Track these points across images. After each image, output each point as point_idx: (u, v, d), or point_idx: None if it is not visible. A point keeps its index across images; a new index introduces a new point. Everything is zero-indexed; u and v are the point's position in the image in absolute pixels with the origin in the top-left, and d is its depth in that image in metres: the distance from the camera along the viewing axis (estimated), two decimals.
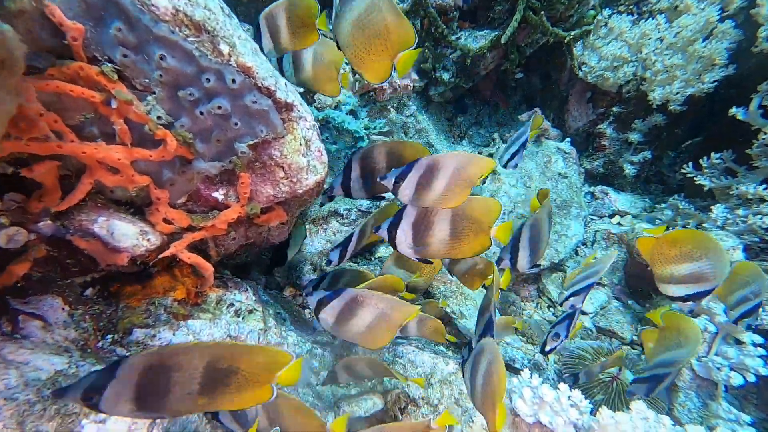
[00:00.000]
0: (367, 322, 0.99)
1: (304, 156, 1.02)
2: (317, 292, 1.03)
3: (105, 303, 0.95)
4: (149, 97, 0.82)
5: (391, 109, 2.63)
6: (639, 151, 2.42)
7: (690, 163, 1.93)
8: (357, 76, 2.59)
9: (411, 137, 2.95)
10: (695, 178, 1.85)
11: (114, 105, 0.76)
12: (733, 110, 1.75)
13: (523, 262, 1.26)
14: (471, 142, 3.20)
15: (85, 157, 0.76)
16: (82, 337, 0.85)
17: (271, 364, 0.65)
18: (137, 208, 0.95)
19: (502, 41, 2.11)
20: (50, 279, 0.85)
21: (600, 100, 2.67)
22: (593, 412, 1.14)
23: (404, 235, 1.02)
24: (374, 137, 2.44)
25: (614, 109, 2.53)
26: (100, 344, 0.88)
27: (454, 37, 2.37)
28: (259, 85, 0.87)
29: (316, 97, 2.11)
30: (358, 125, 2.10)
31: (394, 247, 1.05)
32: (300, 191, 1.07)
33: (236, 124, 0.90)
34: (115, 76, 0.74)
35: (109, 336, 0.91)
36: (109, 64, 0.76)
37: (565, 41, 2.12)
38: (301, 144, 1.00)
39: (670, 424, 0.98)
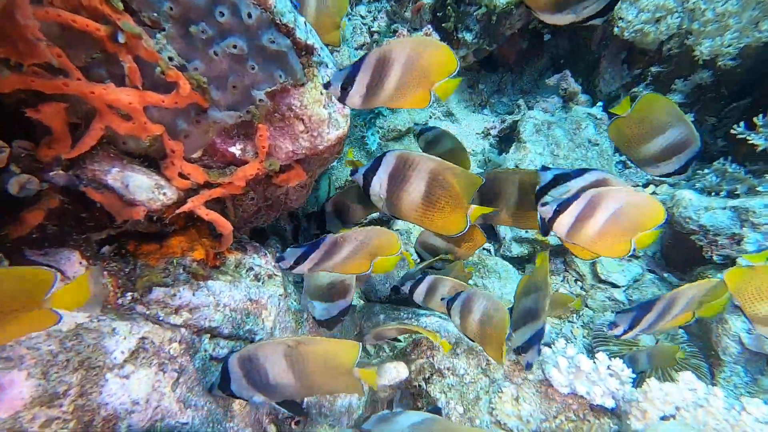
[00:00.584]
0: (346, 254, 0.93)
1: (325, 107, 0.96)
2: (291, 250, 0.94)
3: (122, 261, 0.92)
4: (159, 35, 0.77)
5: None
6: None
7: (742, 123, 1.78)
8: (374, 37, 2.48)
9: (429, 105, 2.83)
10: (748, 138, 1.71)
11: (121, 39, 0.70)
12: None
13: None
14: (493, 111, 3.07)
15: (94, 98, 0.71)
16: (102, 293, 0.83)
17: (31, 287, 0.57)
18: (151, 161, 0.91)
19: None
20: (66, 233, 0.82)
21: (636, 60, 2.50)
22: (636, 384, 1.08)
23: (379, 185, 0.97)
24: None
25: (652, 69, 2.36)
26: (120, 301, 0.86)
27: None
28: (277, 21, 0.80)
29: None
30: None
31: (367, 194, 1.01)
32: (321, 147, 1.01)
33: (253, 67, 0.83)
34: (121, 5, 0.68)
35: (129, 294, 0.88)
36: None
37: None
38: (322, 93, 0.94)
39: (722, 395, 0.92)
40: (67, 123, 0.72)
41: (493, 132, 2.79)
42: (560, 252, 2.29)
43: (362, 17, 2.46)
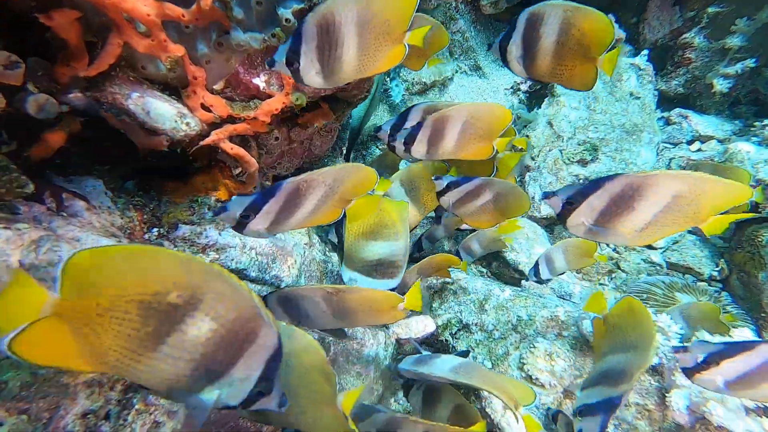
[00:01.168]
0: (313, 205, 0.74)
1: None
2: (237, 199, 0.69)
3: (147, 197, 0.90)
4: None
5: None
6: (737, 61, 2.07)
7: None
8: None
9: (456, 57, 2.70)
10: None
11: None
12: None
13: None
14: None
15: (108, 6, 0.66)
16: (128, 226, 0.81)
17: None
18: (172, 90, 0.86)
19: None
20: (90, 161, 0.79)
21: (691, 0, 2.28)
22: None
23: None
24: None
25: (710, 9, 2.14)
26: (146, 236, 0.84)
27: None
28: None
29: None
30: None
31: (392, 149, 1.02)
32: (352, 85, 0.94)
33: None
34: None
35: (155, 229, 0.87)
36: None
37: None
38: None
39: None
40: (82, 36, 0.68)
41: (523, 87, 2.64)
42: None
43: None
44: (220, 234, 0.96)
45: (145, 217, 0.87)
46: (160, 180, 0.95)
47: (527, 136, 2.28)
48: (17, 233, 0.61)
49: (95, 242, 0.70)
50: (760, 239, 1.51)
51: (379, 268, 1.14)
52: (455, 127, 0.97)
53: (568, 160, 2.14)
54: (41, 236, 0.63)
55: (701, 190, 0.64)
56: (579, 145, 2.16)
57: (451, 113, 0.97)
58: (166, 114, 0.80)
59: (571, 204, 0.70)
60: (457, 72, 2.71)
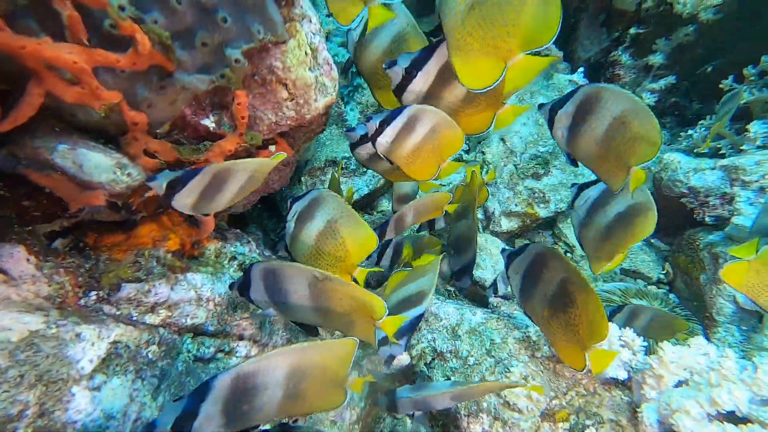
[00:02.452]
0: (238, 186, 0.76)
1: (311, 70, 0.85)
2: (165, 173, 0.71)
3: (81, 256, 0.80)
4: None
5: None
6: (660, 77, 2.28)
7: (731, 77, 1.80)
8: None
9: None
10: (733, 89, 1.74)
11: None
12: None
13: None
14: None
15: (27, 55, 0.58)
16: (58, 294, 0.71)
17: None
18: (109, 138, 0.78)
19: None
20: (5, 224, 0.69)
21: (615, 23, 2.49)
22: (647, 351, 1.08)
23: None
24: None
25: (631, 30, 2.35)
26: (82, 302, 0.75)
27: None
28: None
29: None
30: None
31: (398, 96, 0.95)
32: (308, 117, 0.91)
33: (225, 20, 0.72)
34: None
35: (93, 292, 0.77)
36: None
37: None
38: (306, 54, 0.83)
39: (734, 357, 0.92)
40: None
41: None
42: (549, 224, 2.29)
43: None
44: (172, 289, 0.87)
45: (80, 279, 0.77)
46: (97, 235, 0.85)
47: (482, 152, 2.35)
48: None
49: (14, 322, 0.60)
50: (697, 243, 1.65)
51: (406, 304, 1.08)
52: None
53: (523, 174, 2.22)
54: None
55: None
56: (531, 159, 2.25)
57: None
58: (102, 165, 0.72)
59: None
60: None
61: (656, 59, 2.22)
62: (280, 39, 0.78)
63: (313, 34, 0.84)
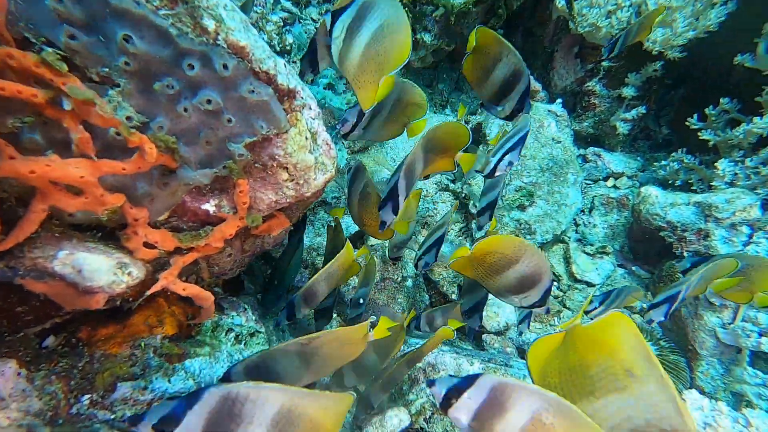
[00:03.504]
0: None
1: (311, 152, 0.88)
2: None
3: (74, 354, 0.79)
4: (111, 91, 0.65)
5: None
6: (632, 107, 2.44)
7: (695, 115, 1.95)
8: None
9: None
10: (699, 133, 1.88)
11: (67, 106, 0.59)
12: (738, 58, 1.76)
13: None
14: (454, 110, 3.11)
15: (35, 179, 0.59)
16: (49, 406, 0.70)
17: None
18: (107, 231, 0.79)
19: None
20: None
21: (589, 55, 2.64)
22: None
23: None
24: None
25: (604, 63, 2.51)
26: (74, 409, 0.74)
27: None
28: (257, 69, 0.72)
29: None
30: (341, 101, 1.94)
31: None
32: (307, 194, 0.94)
33: (230, 120, 0.74)
34: (65, 67, 0.56)
35: (86, 396, 0.76)
36: (51, 49, 0.58)
37: None
38: (307, 138, 0.86)
39: (727, 410, 0.99)
40: None
41: None
42: None
43: (314, 21, 2.35)
44: (169, 381, 0.87)
45: (72, 383, 0.76)
46: (91, 328, 0.85)
47: (468, 183, 2.43)
48: None
49: None
50: (677, 276, 1.76)
51: None
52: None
53: (509, 206, 2.31)
54: None
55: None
56: (516, 191, 2.35)
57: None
58: (102, 268, 0.73)
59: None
60: None
61: (628, 92, 2.37)
62: (282, 130, 0.81)
63: (313, 119, 0.88)
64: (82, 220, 0.76)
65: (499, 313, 2.07)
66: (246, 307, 1.18)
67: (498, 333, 2.04)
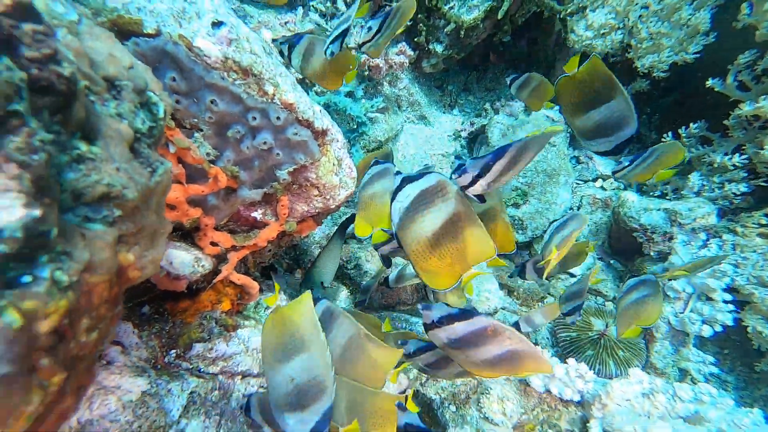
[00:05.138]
0: None
1: (336, 175, 1.09)
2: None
3: (162, 320, 1.03)
4: (196, 134, 0.86)
5: (385, 84, 2.63)
6: None
7: (669, 132, 2.09)
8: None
9: (404, 110, 2.98)
10: None
11: (172, 149, 0.79)
12: (710, 82, 1.88)
13: None
14: (462, 111, 3.25)
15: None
16: (152, 356, 0.94)
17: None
18: (185, 233, 1.01)
19: (498, 15, 2.12)
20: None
21: None
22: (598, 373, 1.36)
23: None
24: (371, 115, 2.46)
25: None
26: (166, 360, 0.98)
27: (446, 6, 2.34)
28: (300, 118, 0.91)
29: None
30: (359, 109, 2.12)
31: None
32: (332, 206, 1.14)
33: (278, 154, 0.95)
34: (172, 123, 0.77)
35: (173, 351, 1.00)
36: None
37: (561, 15, 2.15)
38: (334, 165, 1.06)
39: (661, 384, 1.20)
40: None
41: (464, 134, 2.99)
42: (527, 246, 2.57)
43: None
44: (227, 345, 1.11)
45: (163, 341, 1.00)
46: (172, 302, 1.08)
47: None
48: None
49: (132, 385, 0.84)
50: (643, 270, 1.94)
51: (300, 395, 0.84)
52: None
53: (506, 203, 2.49)
54: (92, 393, 0.77)
55: None
56: (512, 190, 2.52)
57: None
58: (185, 262, 0.95)
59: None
60: (405, 121, 3.00)
61: None
62: (315, 160, 1.01)
63: (339, 149, 1.07)
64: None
65: (490, 297, 2.28)
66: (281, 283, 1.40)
67: (488, 315, 2.26)
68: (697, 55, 2.00)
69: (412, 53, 2.36)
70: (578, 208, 2.75)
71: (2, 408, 0.25)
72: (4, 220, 0.26)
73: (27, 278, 0.28)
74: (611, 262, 2.43)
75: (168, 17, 0.76)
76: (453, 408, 1.49)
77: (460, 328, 0.79)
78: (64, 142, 0.33)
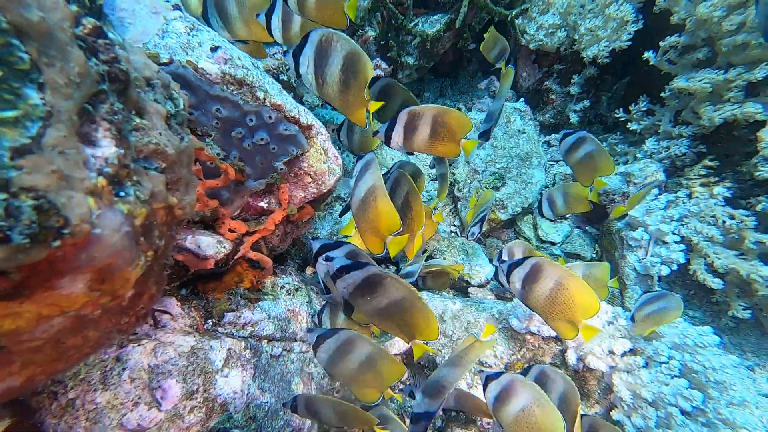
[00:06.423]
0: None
1: (324, 162, 1.25)
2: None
3: (198, 297, 1.19)
4: (208, 140, 1.03)
5: None
6: (579, 101, 2.72)
7: (620, 109, 2.23)
8: None
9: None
10: (627, 124, 2.17)
11: None
12: (646, 54, 2.03)
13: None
14: None
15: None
16: (194, 324, 1.09)
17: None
18: (206, 223, 1.17)
19: (456, 26, 2.31)
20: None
21: (543, 61, 2.92)
22: None
23: (397, 136, 1.07)
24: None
25: (555, 66, 2.79)
26: (205, 327, 1.13)
27: (411, 24, 2.54)
28: (288, 116, 1.08)
29: (304, 99, 2.27)
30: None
31: (388, 144, 1.09)
32: (324, 190, 1.30)
33: (274, 148, 1.11)
34: (188, 130, 0.94)
35: (210, 320, 1.15)
36: None
37: (508, 19, 2.34)
38: (321, 154, 1.23)
39: (621, 311, 1.32)
40: None
41: None
42: (510, 223, 2.70)
43: None
44: (252, 313, 1.26)
45: (201, 313, 1.16)
46: (203, 283, 1.24)
47: (453, 172, 2.75)
48: (142, 345, 0.89)
49: (183, 341, 0.99)
50: (611, 229, 2.06)
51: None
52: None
53: (486, 187, 2.63)
54: (155, 346, 0.92)
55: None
56: (491, 175, 2.67)
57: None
58: (210, 244, 1.11)
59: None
60: None
61: (574, 90, 2.65)
62: (305, 151, 1.18)
63: (324, 141, 1.24)
64: (192, 216, 1.14)
65: (481, 271, 2.40)
66: (291, 272, 1.56)
67: (480, 286, 2.38)
68: (629, 42, 2.16)
69: (387, 67, 2.54)
70: (553, 184, 2.88)
71: (125, 256, 0.41)
72: (107, 152, 0.42)
73: (122, 193, 0.44)
74: (587, 228, 2.55)
75: (177, 48, 0.93)
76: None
77: (356, 275, 0.86)
78: (126, 115, 0.49)
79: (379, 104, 0.93)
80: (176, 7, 0.98)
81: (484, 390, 0.93)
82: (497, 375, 0.91)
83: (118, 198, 0.42)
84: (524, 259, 1.00)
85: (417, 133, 1.01)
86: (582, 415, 0.95)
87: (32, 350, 0.35)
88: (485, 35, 1.92)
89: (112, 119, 0.44)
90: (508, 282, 1.04)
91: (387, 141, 1.07)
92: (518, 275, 0.99)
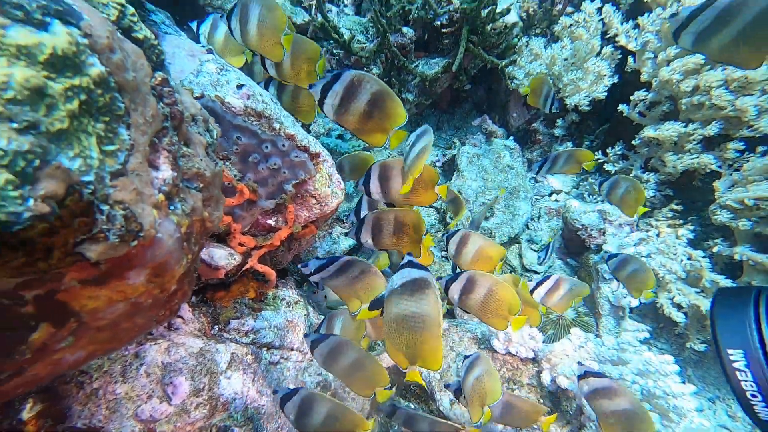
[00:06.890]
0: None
1: (328, 186, 1.36)
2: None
3: (206, 305, 1.26)
4: (227, 163, 1.14)
5: None
6: (563, 142, 2.89)
7: (599, 152, 2.39)
8: None
9: (386, 148, 3.31)
10: (604, 165, 2.32)
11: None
12: (620, 107, 2.21)
13: None
14: (436, 146, 3.60)
15: None
16: (202, 328, 1.16)
17: None
18: (219, 237, 1.26)
19: (453, 69, 2.50)
20: None
21: (531, 104, 3.11)
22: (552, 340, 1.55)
23: (375, 186, 1.21)
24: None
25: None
26: (213, 332, 1.19)
27: (413, 66, 2.73)
28: (299, 144, 1.20)
29: (311, 128, 2.42)
30: (348, 148, 2.43)
31: (368, 194, 1.23)
32: (327, 212, 1.40)
33: (284, 172, 1.22)
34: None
35: (216, 326, 1.22)
36: None
37: (499, 67, 2.54)
38: (326, 179, 1.34)
39: (592, 337, 1.40)
40: None
41: (438, 164, 3.31)
42: None
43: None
44: (255, 321, 1.33)
45: (209, 318, 1.23)
46: (212, 291, 1.31)
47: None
48: (158, 344, 0.96)
49: (193, 343, 1.06)
50: (589, 262, 2.17)
51: None
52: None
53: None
54: (168, 345, 0.99)
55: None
56: (481, 206, 2.79)
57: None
58: (222, 256, 1.20)
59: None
60: (389, 156, 3.33)
61: (558, 132, 2.83)
62: (312, 176, 1.29)
63: (330, 167, 1.35)
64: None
65: None
66: (292, 286, 1.63)
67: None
68: (606, 93, 2.36)
69: None
70: (538, 218, 3.01)
71: (176, 257, 0.50)
72: (165, 175, 0.53)
73: (173, 207, 0.55)
74: (568, 260, 2.66)
75: (208, 85, 1.06)
76: (437, 375, 1.67)
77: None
78: (179, 145, 0.60)
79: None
80: (209, 51, 1.11)
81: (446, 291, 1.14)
82: (455, 277, 1.12)
83: (171, 210, 0.52)
84: (458, 274, 1.14)
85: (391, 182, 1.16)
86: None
87: (98, 329, 0.44)
88: (532, 80, 2.01)
89: (170, 149, 0.55)
90: (447, 295, 1.16)
91: (367, 192, 1.21)
92: (455, 288, 1.13)
